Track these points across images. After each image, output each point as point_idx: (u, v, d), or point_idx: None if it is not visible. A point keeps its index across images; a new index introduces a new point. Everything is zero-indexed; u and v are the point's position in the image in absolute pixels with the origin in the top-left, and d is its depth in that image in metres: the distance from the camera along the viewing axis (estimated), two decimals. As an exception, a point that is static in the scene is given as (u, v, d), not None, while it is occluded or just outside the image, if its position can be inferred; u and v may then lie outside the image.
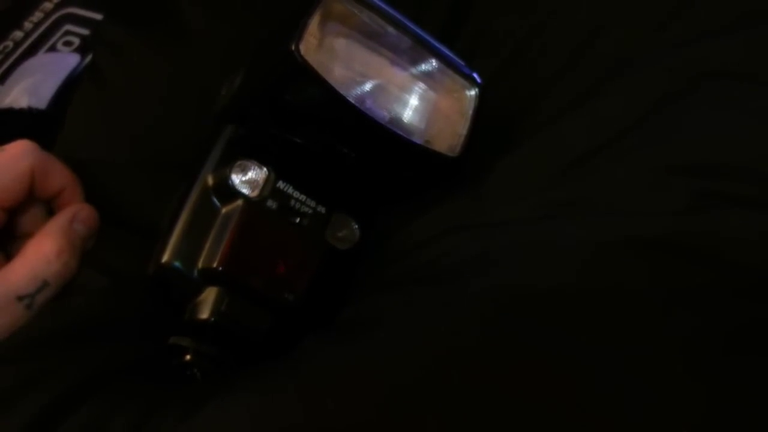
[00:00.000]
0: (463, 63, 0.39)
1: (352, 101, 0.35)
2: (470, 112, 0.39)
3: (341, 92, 0.35)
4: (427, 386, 0.31)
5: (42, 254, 0.39)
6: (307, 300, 0.38)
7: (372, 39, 0.38)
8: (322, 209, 0.39)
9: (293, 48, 0.34)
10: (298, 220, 0.39)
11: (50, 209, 0.43)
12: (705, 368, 0.29)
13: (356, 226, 0.40)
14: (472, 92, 0.39)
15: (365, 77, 0.37)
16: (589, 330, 0.30)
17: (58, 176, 0.42)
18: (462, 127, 0.39)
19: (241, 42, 0.46)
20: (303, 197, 0.39)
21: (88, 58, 0.54)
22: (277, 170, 0.38)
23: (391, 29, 0.37)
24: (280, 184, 0.38)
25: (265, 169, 0.38)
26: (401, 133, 0.37)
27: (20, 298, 0.38)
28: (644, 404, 0.29)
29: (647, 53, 0.39)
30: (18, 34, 0.58)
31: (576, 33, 0.42)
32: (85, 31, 0.57)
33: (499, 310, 0.32)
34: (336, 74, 0.36)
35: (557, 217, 0.35)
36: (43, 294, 0.39)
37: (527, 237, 0.35)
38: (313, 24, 0.35)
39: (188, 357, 0.37)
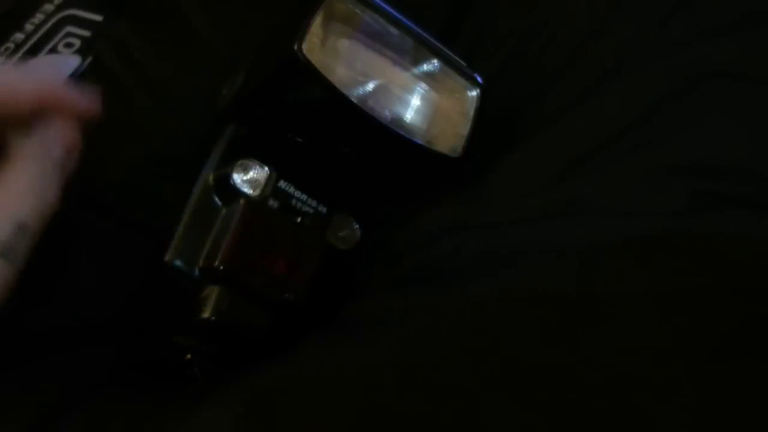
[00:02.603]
0: (464, 64, 0.39)
1: (354, 101, 0.36)
2: (472, 112, 0.39)
3: (343, 92, 0.35)
4: (427, 388, 0.31)
5: (11, 192, 0.32)
6: (307, 299, 0.38)
7: (374, 39, 0.38)
8: (323, 209, 0.39)
9: (295, 47, 0.34)
10: (299, 219, 0.39)
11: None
12: (703, 369, 0.29)
13: (357, 227, 0.41)
14: (474, 93, 0.39)
15: (367, 77, 0.37)
16: (587, 333, 0.30)
17: (26, 90, 0.34)
18: (464, 128, 0.39)
19: (243, 41, 0.46)
20: (304, 197, 0.39)
21: (89, 60, 0.55)
22: (279, 170, 0.38)
23: (393, 30, 0.38)
24: (282, 184, 0.38)
25: (266, 168, 0.38)
26: (403, 133, 0.37)
27: None
28: (643, 405, 0.29)
29: (647, 53, 0.39)
30: (19, 36, 0.58)
31: (576, 32, 0.42)
32: (86, 33, 0.57)
33: (498, 314, 0.32)
34: (338, 74, 0.36)
35: (557, 217, 0.35)
36: (23, 240, 0.32)
37: (527, 237, 0.35)
38: (316, 24, 0.35)
39: (189, 356, 0.38)
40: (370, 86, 0.38)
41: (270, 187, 0.38)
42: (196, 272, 0.37)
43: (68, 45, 0.57)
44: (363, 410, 0.31)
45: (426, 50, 0.38)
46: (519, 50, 0.44)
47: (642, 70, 0.38)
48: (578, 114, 0.39)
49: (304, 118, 0.37)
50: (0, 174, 0.33)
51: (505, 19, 0.46)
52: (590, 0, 0.43)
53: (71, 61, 0.55)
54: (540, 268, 0.33)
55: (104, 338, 0.39)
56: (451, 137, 0.39)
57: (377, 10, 0.37)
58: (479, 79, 0.39)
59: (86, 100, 0.36)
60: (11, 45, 0.57)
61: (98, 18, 0.57)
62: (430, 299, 0.35)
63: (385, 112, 0.37)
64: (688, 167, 0.34)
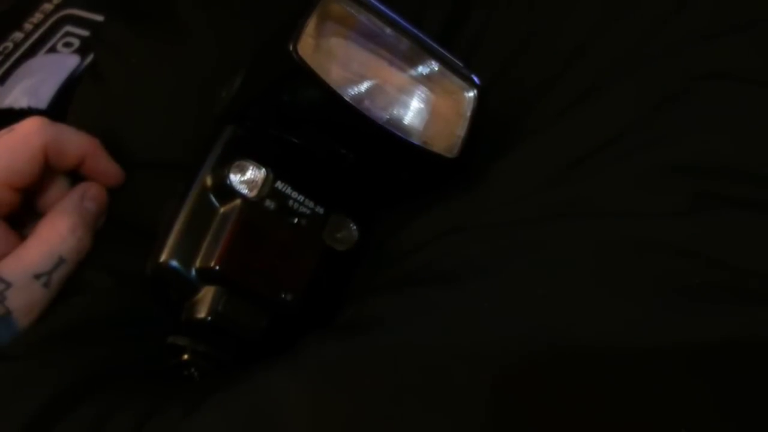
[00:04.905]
0: (461, 64, 0.39)
1: (350, 101, 0.35)
2: (468, 113, 0.39)
3: (339, 92, 0.35)
4: (426, 387, 0.31)
5: (56, 231, 0.40)
6: (304, 300, 0.38)
7: (370, 40, 0.38)
8: (320, 210, 0.39)
9: (291, 48, 0.34)
10: (296, 220, 0.39)
11: (75, 179, 0.44)
12: (705, 369, 0.29)
13: (354, 228, 0.40)
14: (471, 93, 0.39)
15: (363, 78, 0.37)
16: (588, 332, 0.30)
17: (75, 147, 0.42)
18: (460, 129, 0.39)
19: (241, 42, 0.46)
20: (301, 198, 0.39)
21: (88, 59, 0.55)
22: (276, 170, 0.38)
23: (389, 30, 0.38)
24: (279, 185, 0.38)
25: (263, 169, 0.38)
26: (399, 133, 0.37)
27: (37, 276, 0.38)
28: (644, 404, 0.29)
29: (647, 53, 0.39)
30: (18, 35, 0.58)
31: (576, 33, 0.42)
32: (85, 33, 0.57)
33: (497, 314, 0.32)
34: (334, 75, 0.36)
35: (557, 218, 0.35)
36: (60, 271, 0.39)
37: (527, 238, 0.35)
38: (311, 24, 0.35)
39: (186, 356, 0.37)
40: (366, 87, 0.37)
41: (267, 188, 0.38)
42: (193, 273, 0.37)
43: (67, 45, 0.57)
44: (361, 411, 0.31)
45: (422, 51, 0.38)
46: (518, 50, 0.44)
47: (641, 71, 0.38)
48: (578, 114, 0.39)
49: (300, 118, 0.37)
50: (47, 217, 0.41)
51: (505, 20, 0.46)
52: (589, 0, 0.43)
53: (70, 61, 0.55)
54: (539, 269, 0.33)
55: (105, 337, 0.39)
56: (447, 138, 0.39)
57: (373, 10, 0.37)
58: (476, 80, 0.39)
59: (115, 167, 0.44)
60: (10, 44, 0.57)
61: (97, 18, 0.58)
62: (429, 301, 0.34)
63: (381, 112, 0.37)
64: (688, 167, 0.34)
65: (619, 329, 0.30)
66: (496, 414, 0.30)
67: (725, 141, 0.35)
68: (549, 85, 0.41)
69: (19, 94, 0.53)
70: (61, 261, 0.39)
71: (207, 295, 0.37)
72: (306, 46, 0.34)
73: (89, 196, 0.42)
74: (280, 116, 0.38)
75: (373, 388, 0.31)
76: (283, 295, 0.37)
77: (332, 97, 0.35)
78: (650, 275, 0.31)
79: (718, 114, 0.36)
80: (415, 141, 0.38)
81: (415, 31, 0.38)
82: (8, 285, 0.37)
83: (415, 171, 0.40)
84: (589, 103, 0.39)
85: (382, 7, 0.37)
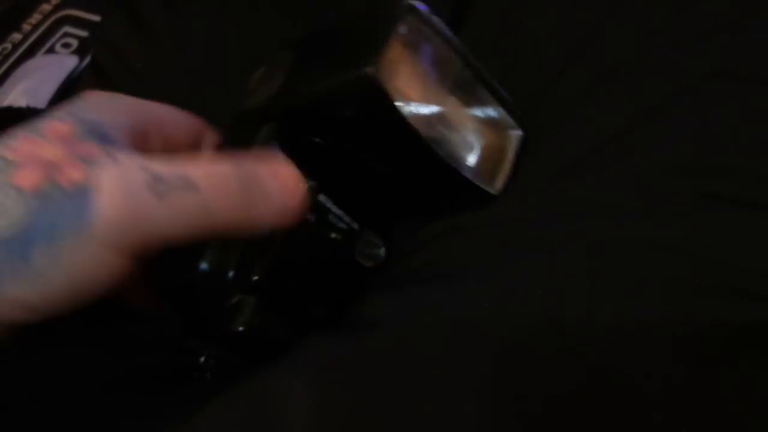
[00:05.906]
0: (511, 100, 0.40)
1: (417, 129, 0.35)
2: (514, 151, 0.40)
3: (409, 121, 0.35)
4: (427, 386, 0.31)
5: (206, 162, 0.30)
6: (331, 315, 0.38)
7: (435, 66, 0.38)
8: (355, 226, 0.39)
9: (372, 71, 0.34)
10: (333, 235, 0.38)
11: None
12: (706, 368, 0.30)
13: (383, 247, 0.40)
14: (518, 132, 0.40)
15: (427, 104, 0.37)
16: (588, 331, 0.31)
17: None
18: (506, 165, 0.39)
19: (242, 41, 0.46)
20: (340, 213, 0.38)
21: (87, 60, 0.54)
22: (320, 183, 0.37)
23: (454, 58, 0.38)
24: (321, 198, 0.38)
25: (309, 181, 0.37)
26: (453, 164, 0.37)
27: (156, 178, 0.28)
28: (645, 403, 0.30)
29: (647, 53, 0.39)
30: (16, 36, 0.57)
31: (576, 33, 0.42)
32: (83, 33, 0.57)
33: (497, 314, 0.32)
34: (402, 98, 0.36)
35: (557, 218, 0.36)
36: (184, 192, 0.28)
37: (527, 238, 0.35)
38: (391, 47, 0.35)
39: (202, 359, 0.36)
40: (428, 112, 0.37)
41: (310, 201, 0.37)
42: (229, 281, 0.35)
43: (66, 45, 0.56)
44: (362, 410, 0.31)
45: (481, 85, 0.39)
46: (519, 51, 0.44)
47: (642, 71, 0.39)
48: (578, 114, 0.39)
49: (357, 135, 0.38)
50: None
51: (506, 20, 0.46)
52: (589, 1, 0.43)
53: (68, 62, 0.55)
54: (539, 268, 0.34)
55: (110, 338, 0.38)
56: (492, 173, 0.39)
57: (441, 35, 0.37)
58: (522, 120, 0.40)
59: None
60: (8, 45, 0.56)
61: (96, 18, 0.57)
62: (429, 300, 0.35)
63: (440, 141, 0.37)
64: (688, 168, 0.34)
65: (620, 329, 0.31)
66: (497, 413, 0.30)
67: (725, 140, 0.35)
68: (550, 86, 0.41)
69: (17, 95, 0.52)
70: (188, 183, 0.28)
71: (242, 305, 0.35)
72: (383, 69, 0.34)
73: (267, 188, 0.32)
74: (333, 127, 0.38)
75: (374, 387, 0.31)
76: (314, 310, 0.37)
77: (400, 122, 0.35)
78: (650, 275, 0.32)
79: (719, 113, 0.36)
80: (467, 174, 0.38)
81: (476, 62, 0.39)
82: (114, 158, 0.28)
83: (457, 201, 0.40)
84: (590, 102, 0.39)
85: (449, 33, 0.38)
